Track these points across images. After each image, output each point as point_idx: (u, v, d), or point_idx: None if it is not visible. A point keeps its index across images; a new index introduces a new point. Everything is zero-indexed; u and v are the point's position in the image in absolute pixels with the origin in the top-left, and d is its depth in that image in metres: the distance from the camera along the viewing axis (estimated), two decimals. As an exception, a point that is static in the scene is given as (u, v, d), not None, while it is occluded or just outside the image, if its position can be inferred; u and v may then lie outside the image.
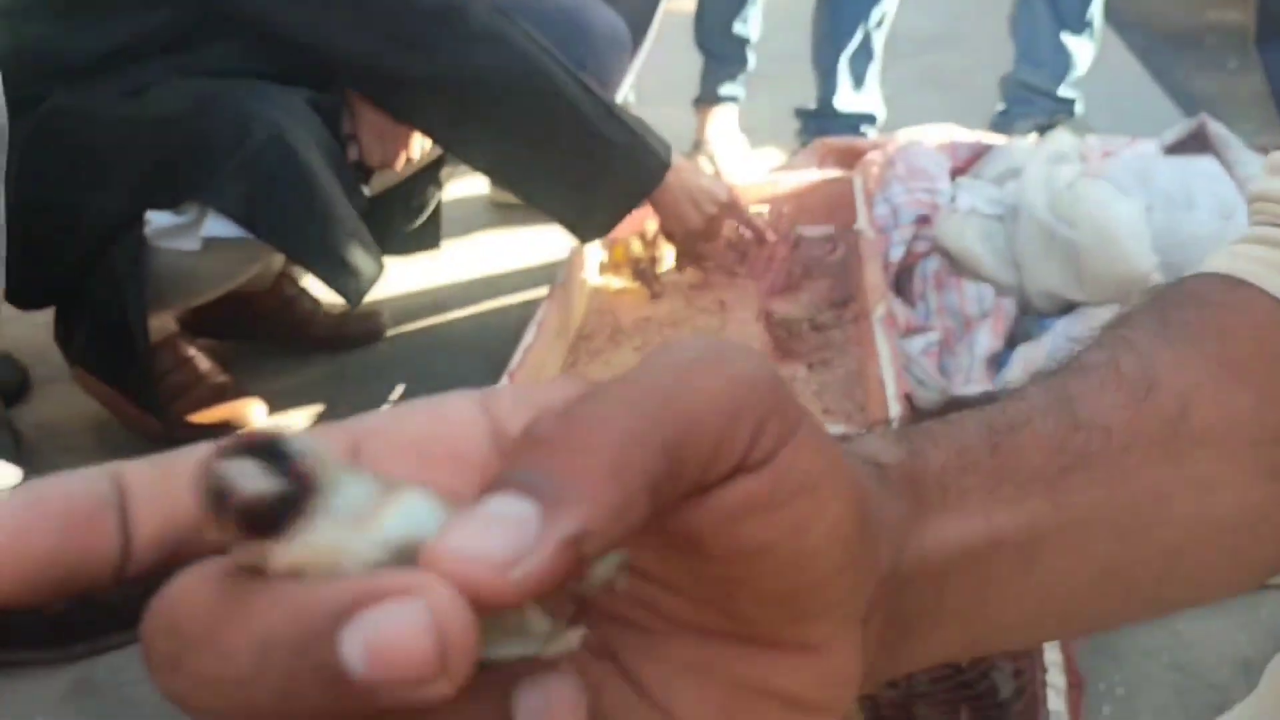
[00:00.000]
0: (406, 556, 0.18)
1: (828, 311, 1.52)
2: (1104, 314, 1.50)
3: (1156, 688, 0.93)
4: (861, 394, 1.31)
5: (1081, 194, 1.57)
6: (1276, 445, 0.33)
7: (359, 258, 1.37)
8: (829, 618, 0.24)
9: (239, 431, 0.18)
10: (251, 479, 0.17)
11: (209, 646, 0.18)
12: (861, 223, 1.56)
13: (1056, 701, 0.81)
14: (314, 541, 0.17)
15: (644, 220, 1.61)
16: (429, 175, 1.66)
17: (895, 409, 1.09)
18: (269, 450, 0.17)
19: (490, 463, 0.22)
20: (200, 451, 0.20)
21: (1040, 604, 0.31)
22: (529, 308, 1.45)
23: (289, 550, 0.17)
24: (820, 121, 2.31)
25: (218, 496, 0.17)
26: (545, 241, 1.92)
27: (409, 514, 0.18)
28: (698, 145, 2.35)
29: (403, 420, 0.22)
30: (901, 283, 1.66)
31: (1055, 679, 0.84)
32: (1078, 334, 1.47)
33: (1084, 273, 1.53)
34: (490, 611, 0.17)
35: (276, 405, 1.58)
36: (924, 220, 1.70)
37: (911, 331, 1.57)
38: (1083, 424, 0.32)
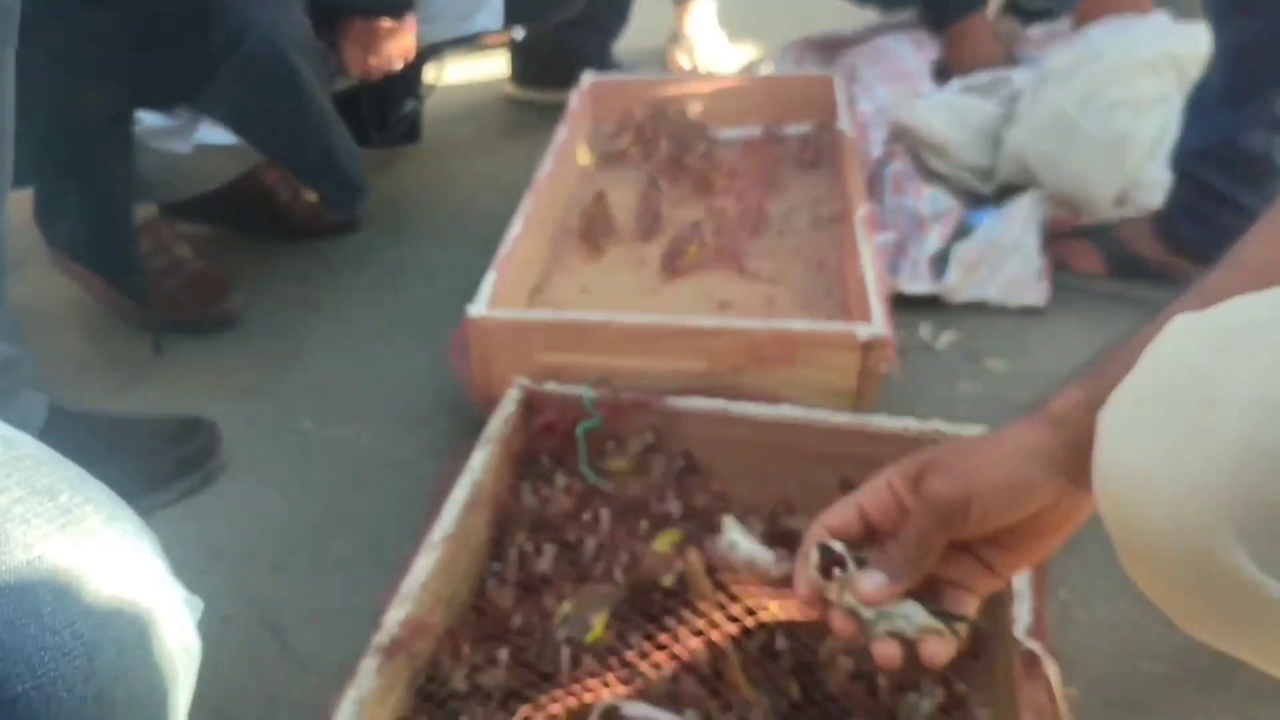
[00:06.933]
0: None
1: (804, 211, 1.54)
2: (1026, 203, 1.47)
3: (1111, 577, 0.98)
4: (841, 293, 1.34)
5: (1113, 106, 1.52)
6: None
7: (349, 168, 1.36)
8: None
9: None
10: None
11: None
12: (843, 123, 1.56)
13: (1021, 582, 0.86)
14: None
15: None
16: (407, 87, 1.64)
17: (876, 309, 1.12)
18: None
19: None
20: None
21: None
22: (512, 197, 1.45)
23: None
24: None
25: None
26: (537, 136, 1.88)
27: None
28: (675, 38, 2.32)
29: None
30: (870, 182, 1.67)
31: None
32: (1001, 234, 1.47)
33: (1061, 164, 1.51)
34: None
35: (255, 292, 1.58)
36: (904, 121, 1.70)
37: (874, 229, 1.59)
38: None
